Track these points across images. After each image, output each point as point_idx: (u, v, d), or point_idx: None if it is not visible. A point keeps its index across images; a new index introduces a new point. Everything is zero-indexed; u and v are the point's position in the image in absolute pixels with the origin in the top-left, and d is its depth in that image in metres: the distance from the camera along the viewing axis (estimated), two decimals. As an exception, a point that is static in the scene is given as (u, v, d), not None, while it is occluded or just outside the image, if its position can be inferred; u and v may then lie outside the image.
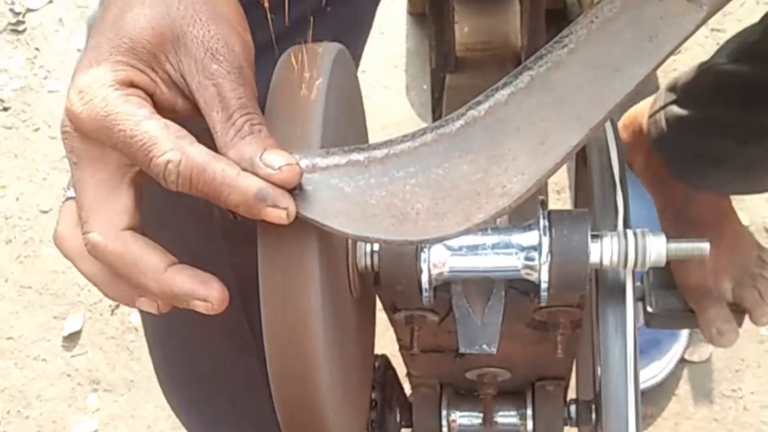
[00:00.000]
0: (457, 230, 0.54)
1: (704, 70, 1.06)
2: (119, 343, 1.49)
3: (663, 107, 1.09)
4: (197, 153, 0.52)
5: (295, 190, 0.53)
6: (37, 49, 1.67)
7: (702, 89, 1.06)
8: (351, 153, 0.55)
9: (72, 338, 1.49)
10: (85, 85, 0.54)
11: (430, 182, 0.54)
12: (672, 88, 1.10)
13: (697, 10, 0.56)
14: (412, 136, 0.56)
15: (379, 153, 0.55)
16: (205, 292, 0.54)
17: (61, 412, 1.46)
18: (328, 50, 0.60)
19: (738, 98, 1.01)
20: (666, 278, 1.05)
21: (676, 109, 1.08)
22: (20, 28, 1.69)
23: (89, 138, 0.54)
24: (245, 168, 0.52)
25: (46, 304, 1.51)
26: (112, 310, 1.50)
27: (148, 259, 0.54)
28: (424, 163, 0.54)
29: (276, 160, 0.52)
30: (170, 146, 0.52)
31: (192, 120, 0.56)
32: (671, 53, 0.56)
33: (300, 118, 0.56)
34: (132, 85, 0.54)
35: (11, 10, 1.69)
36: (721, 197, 1.12)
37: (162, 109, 0.55)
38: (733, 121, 1.01)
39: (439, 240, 0.55)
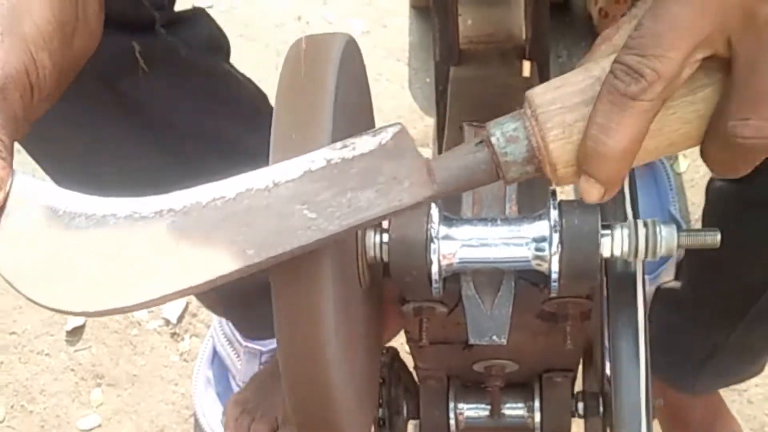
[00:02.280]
0: (72, 310, 0.51)
1: None
2: (122, 337, 1.49)
3: None
4: None
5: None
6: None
7: None
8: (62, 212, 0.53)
9: (75, 333, 1.49)
10: None
11: (93, 246, 0.52)
12: None
13: (427, 187, 0.54)
14: (113, 205, 0.54)
15: (82, 223, 0.53)
16: None
17: (65, 407, 1.46)
18: (338, 40, 0.60)
19: None
20: None
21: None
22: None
23: None
24: None
25: (49, 299, 1.51)
26: (115, 305, 1.50)
27: None
28: (101, 235, 0.52)
29: None
30: None
31: None
32: (372, 222, 0.53)
33: (311, 108, 0.56)
34: None
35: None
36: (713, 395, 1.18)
37: None
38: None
39: (55, 311, 0.53)
